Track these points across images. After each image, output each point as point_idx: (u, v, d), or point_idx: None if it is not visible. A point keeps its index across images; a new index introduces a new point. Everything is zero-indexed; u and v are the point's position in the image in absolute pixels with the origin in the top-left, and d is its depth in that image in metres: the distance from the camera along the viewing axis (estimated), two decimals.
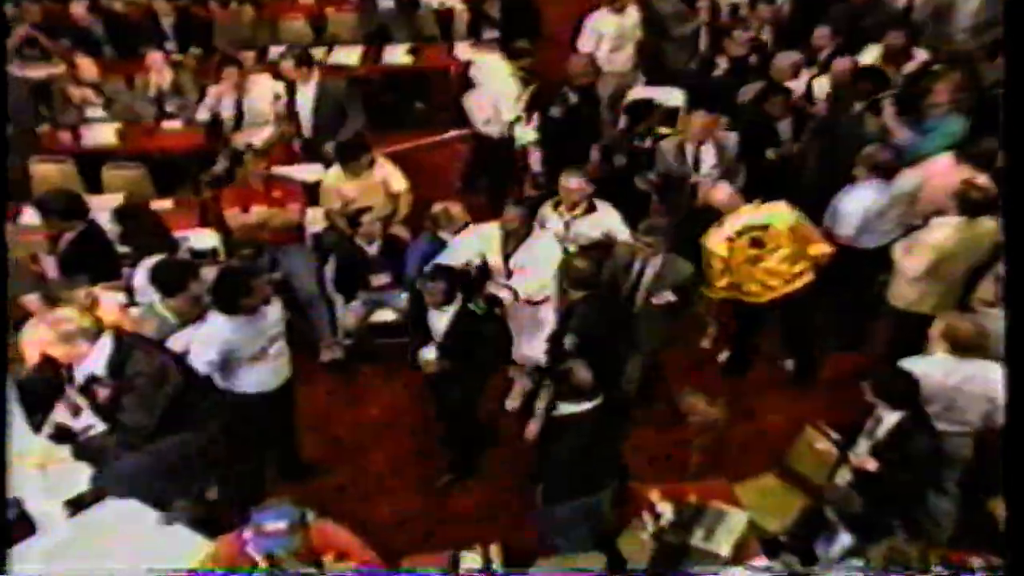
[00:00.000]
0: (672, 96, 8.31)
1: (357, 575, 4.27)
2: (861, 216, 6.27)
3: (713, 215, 6.32)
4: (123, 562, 4.82)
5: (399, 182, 7.18)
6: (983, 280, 5.71)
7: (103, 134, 8.04)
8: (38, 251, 6.41)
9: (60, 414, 4.97)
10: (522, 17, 9.72)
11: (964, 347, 5.05)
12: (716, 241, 6.20)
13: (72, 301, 5.34)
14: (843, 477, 5.05)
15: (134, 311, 5.70)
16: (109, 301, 5.71)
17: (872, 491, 4.82)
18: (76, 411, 4.74)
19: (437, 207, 6.49)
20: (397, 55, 9.73)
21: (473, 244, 6.17)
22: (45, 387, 5.08)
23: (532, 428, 6.02)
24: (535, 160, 7.88)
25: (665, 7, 8.86)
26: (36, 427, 5.04)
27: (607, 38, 8.52)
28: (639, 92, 8.50)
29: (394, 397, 6.69)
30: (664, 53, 8.86)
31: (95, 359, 4.41)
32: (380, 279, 6.78)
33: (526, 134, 7.93)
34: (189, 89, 8.33)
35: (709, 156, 6.88)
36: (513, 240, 6.08)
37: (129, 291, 5.94)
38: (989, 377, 4.94)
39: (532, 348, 6.23)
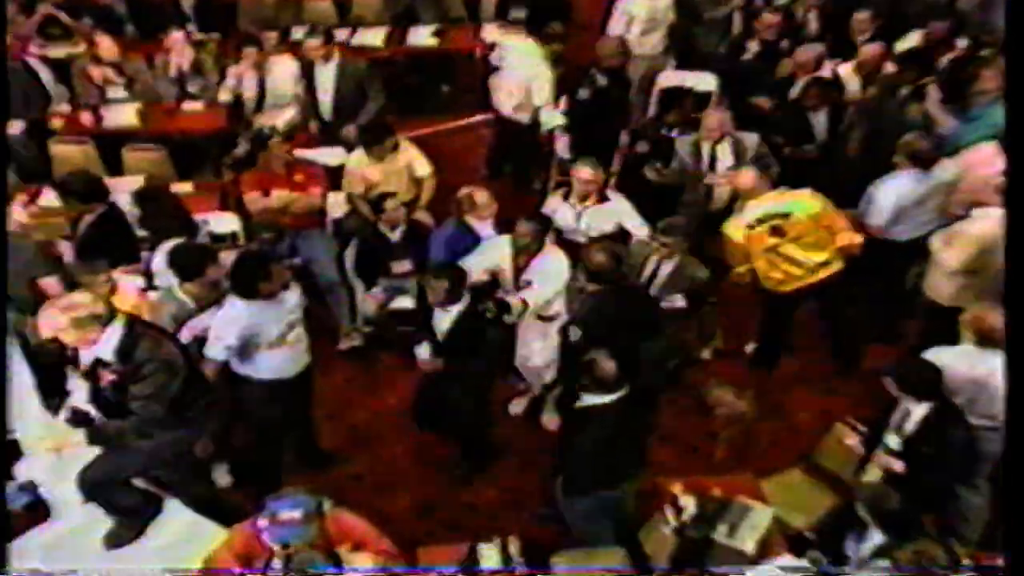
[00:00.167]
0: (704, 80, 8.28)
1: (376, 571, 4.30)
2: (895, 206, 6.23)
3: (728, 215, 6.33)
4: (137, 548, 4.94)
5: (423, 167, 7.19)
6: None
7: (124, 115, 8.09)
8: (57, 235, 6.50)
9: (77, 398, 5.06)
10: None
11: (990, 339, 5.01)
12: (735, 228, 6.21)
13: (92, 285, 5.38)
14: (874, 474, 5.04)
15: (152, 295, 5.77)
16: (128, 285, 5.79)
17: (905, 487, 4.80)
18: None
19: (462, 192, 6.51)
20: (422, 37, 9.72)
21: (485, 258, 6.08)
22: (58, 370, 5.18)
23: (550, 420, 6.08)
24: (562, 145, 7.87)
25: None
26: (54, 410, 5.13)
27: (638, 20, 8.47)
28: (669, 76, 8.48)
29: (413, 386, 6.70)
30: (695, 36, 8.81)
31: (104, 344, 4.45)
32: (402, 266, 6.79)
33: (553, 118, 7.92)
34: (210, 70, 8.36)
35: (726, 156, 6.83)
36: (524, 255, 5.97)
37: (148, 275, 6.01)
38: None
39: (538, 361, 6.21)
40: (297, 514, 4.15)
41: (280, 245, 6.64)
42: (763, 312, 6.73)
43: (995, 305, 5.04)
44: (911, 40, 7.69)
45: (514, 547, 4.77)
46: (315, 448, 6.09)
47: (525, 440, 6.29)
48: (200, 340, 5.27)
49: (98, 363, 4.50)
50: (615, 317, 5.45)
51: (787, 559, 4.65)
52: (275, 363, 5.37)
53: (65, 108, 8.13)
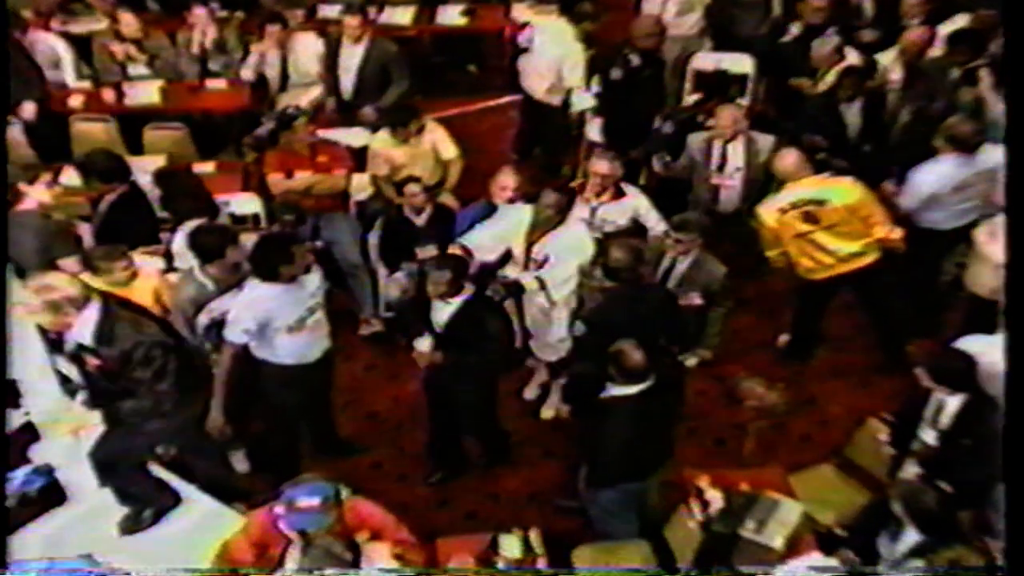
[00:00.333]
0: (740, 63, 8.22)
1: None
2: (931, 190, 6.17)
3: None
4: (152, 534, 4.99)
5: (449, 149, 7.19)
6: None
7: (146, 92, 8.14)
8: (77, 214, 6.56)
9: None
10: None
11: None
12: (768, 210, 6.17)
13: (111, 271, 5.44)
14: (910, 470, 5.01)
15: (173, 276, 5.82)
16: (148, 266, 5.84)
17: (942, 483, 4.76)
18: None
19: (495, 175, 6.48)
20: (451, 16, 9.70)
21: (501, 225, 6.03)
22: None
23: (548, 411, 6.17)
24: (594, 128, 7.83)
25: None
26: (71, 393, 5.19)
27: (674, 0, 8.44)
28: (704, 58, 8.42)
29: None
30: (734, 17, 8.74)
31: (81, 327, 4.44)
32: (427, 250, 6.77)
33: (583, 100, 7.89)
34: (234, 47, 8.40)
35: (736, 156, 6.68)
36: (541, 228, 5.89)
37: (168, 256, 6.06)
38: None
39: (549, 345, 6.18)
40: (315, 502, 4.19)
41: (302, 227, 6.65)
42: (796, 302, 6.70)
43: None
44: (958, 22, 7.57)
45: (535, 539, 4.77)
46: (334, 435, 6.13)
47: (546, 429, 6.30)
48: (218, 323, 5.31)
49: (80, 348, 4.52)
50: (629, 316, 5.37)
51: (816, 557, 4.62)
52: (294, 347, 5.38)
53: (86, 85, 8.20)
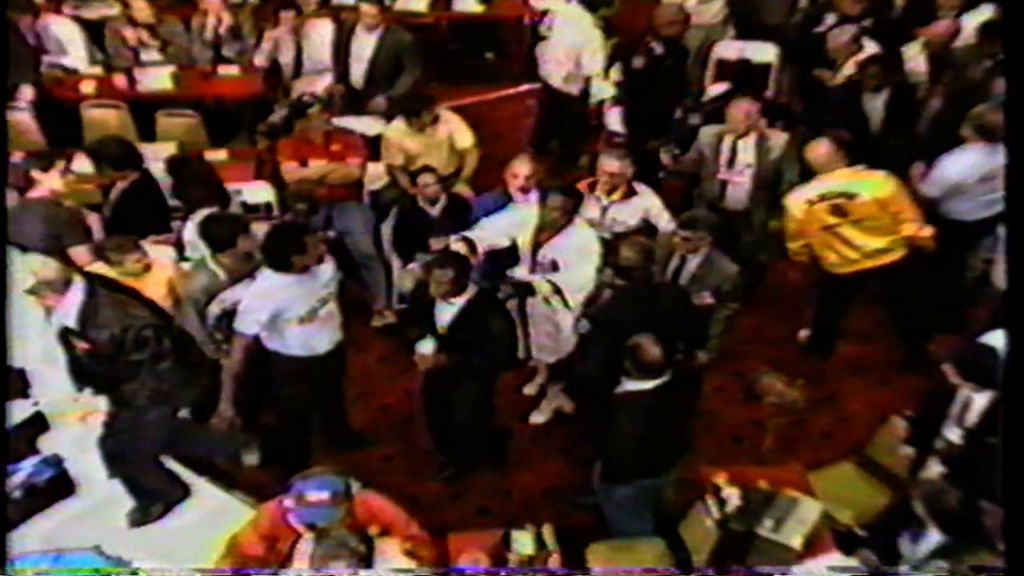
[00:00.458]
0: (764, 51, 8.18)
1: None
2: (957, 179, 6.14)
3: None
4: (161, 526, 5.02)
5: (465, 138, 7.17)
6: None
7: (158, 78, 8.17)
8: (87, 202, 6.58)
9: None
10: None
11: None
12: (795, 201, 6.14)
13: (124, 262, 5.47)
14: (933, 470, 4.99)
15: (184, 265, 5.85)
16: (162, 257, 5.86)
17: (967, 482, 4.74)
18: None
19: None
20: (469, 3, 9.70)
21: (510, 221, 5.97)
22: None
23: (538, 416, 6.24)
24: (614, 118, 7.81)
25: None
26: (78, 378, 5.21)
27: None
28: (727, 46, 8.39)
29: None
30: (757, 6, 8.70)
31: (66, 309, 4.48)
32: (441, 241, 6.78)
33: (603, 89, 7.86)
34: (248, 33, 8.42)
35: (747, 153, 6.56)
36: (548, 230, 5.81)
37: (179, 245, 6.09)
38: None
39: (550, 347, 6.16)
40: (324, 495, 4.21)
41: (315, 217, 6.66)
42: (818, 297, 6.67)
43: None
44: (984, 13, 7.52)
45: (549, 535, 4.77)
46: (345, 427, 6.14)
47: (539, 431, 6.32)
48: (229, 313, 5.32)
49: (67, 331, 4.54)
50: (637, 315, 5.29)
51: (836, 557, 4.61)
52: (306, 339, 5.37)
53: (98, 71, 8.23)
